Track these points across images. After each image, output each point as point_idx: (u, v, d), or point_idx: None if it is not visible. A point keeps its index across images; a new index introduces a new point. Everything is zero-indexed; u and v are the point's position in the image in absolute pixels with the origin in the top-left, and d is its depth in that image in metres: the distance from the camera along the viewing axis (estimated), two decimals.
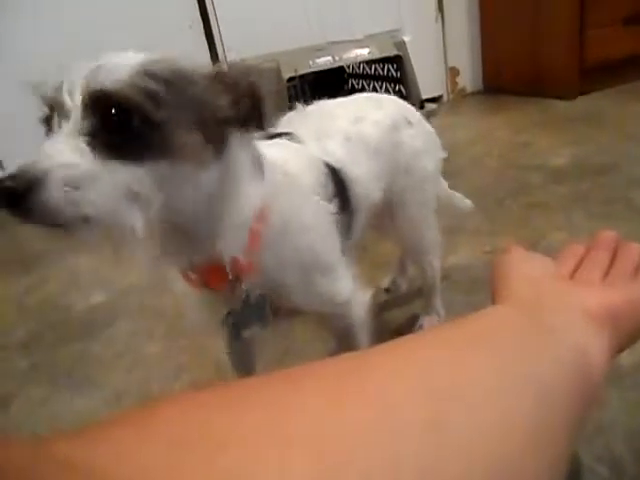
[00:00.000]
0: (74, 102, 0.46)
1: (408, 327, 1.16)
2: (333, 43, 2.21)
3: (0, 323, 1.46)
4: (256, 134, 0.59)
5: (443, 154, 1.00)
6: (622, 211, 1.46)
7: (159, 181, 0.48)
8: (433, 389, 0.28)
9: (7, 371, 1.23)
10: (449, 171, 1.05)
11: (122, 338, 1.29)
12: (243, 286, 0.63)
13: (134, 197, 0.47)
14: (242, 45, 2.51)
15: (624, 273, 0.47)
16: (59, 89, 0.47)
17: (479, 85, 3.34)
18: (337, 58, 1.94)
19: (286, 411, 0.25)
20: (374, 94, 1.01)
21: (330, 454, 0.23)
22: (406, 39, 2.17)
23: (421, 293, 1.19)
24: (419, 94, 2.10)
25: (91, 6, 2.39)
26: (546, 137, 2.22)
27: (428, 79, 2.77)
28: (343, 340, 0.81)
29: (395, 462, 0.23)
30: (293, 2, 2.72)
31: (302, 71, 1.88)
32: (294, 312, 0.75)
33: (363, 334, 0.79)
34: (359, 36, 2.38)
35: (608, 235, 0.53)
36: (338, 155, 0.78)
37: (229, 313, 0.66)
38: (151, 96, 0.46)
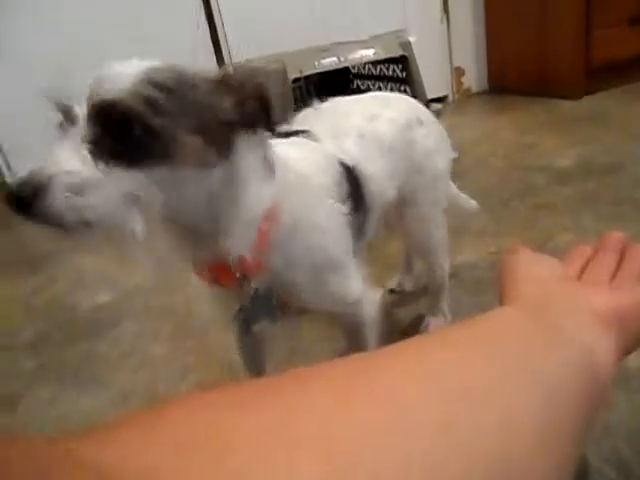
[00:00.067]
0: (81, 111, 0.49)
1: (414, 327, 1.16)
2: (338, 44, 2.21)
3: (7, 323, 1.47)
4: (267, 134, 0.60)
5: (454, 154, 1.01)
6: (630, 212, 1.45)
7: (160, 184, 0.50)
8: (442, 390, 0.28)
9: (14, 371, 1.23)
10: (454, 171, 1.05)
11: (128, 338, 1.29)
12: (251, 284, 0.64)
13: (134, 200, 0.49)
14: (247, 46, 2.52)
15: (631, 275, 0.47)
16: (69, 97, 0.49)
17: (484, 85, 3.34)
18: (342, 59, 1.94)
19: (295, 412, 0.25)
20: (387, 93, 1.01)
21: (339, 455, 0.23)
22: (411, 39, 2.17)
23: (427, 292, 1.19)
24: (424, 94, 2.10)
25: (92, 6, 2.39)
26: (552, 137, 2.22)
27: (433, 79, 2.77)
28: (353, 339, 0.82)
29: (405, 463, 0.23)
30: (298, 3, 2.73)
31: (307, 72, 1.88)
32: (304, 310, 0.76)
33: (373, 333, 0.80)
34: (364, 37, 2.39)
35: (615, 236, 0.53)
36: (353, 153, 0.78)
37: (240, 309, 0.67)
38: (151, 104, 0.48)
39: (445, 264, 1.08)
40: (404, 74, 2.07)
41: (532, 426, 0.29)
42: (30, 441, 0.20)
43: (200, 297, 1.37)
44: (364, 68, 2.34)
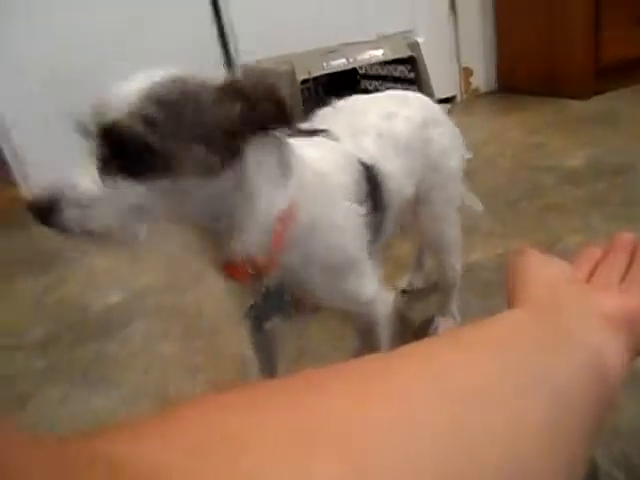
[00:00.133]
0: (94, 130, 0.53)
1: (424, 327, 1.16)
2: (346, 45, 2.21)
3: (19, 322, 1.48)
4: (285, 133, 0.61)
5: (468, 153, 1.01)
6: None
7: (164, 195, 0.54)
8: (454, 391, 0.28)
9: (24, 370, 1.25)
10: (462, 172, 1.05)
11: (138, 338, 1.30)
12: (264, 281, 0.66)
13: (139, 211, 0.54)
14: (255, 47, 2.52)
15: None
16: (86, 115, 0.54)
17: (493, 85, 3.33)
18: (351, 60, 1.94)
19: (309, 412, 0.26)
20: (403, 92, 1.02)
21: (354, 455, 0.23)
22: (419, 39, 2.17)
23: (437, 291, 1.19)
24: (432, 95, 2.10)
25: (88, 9, 2.41)
26: (561, 137, 2.21)
27: (441, 79, 2.77)
28: (365, 337, 0.83)
29: (419, 463, 0.24)
30: (306, 3, 2.73)
31: (315, 73, 1.89)
32: (318, 308, 0.77)
33: (385, 333, 0.81)
34: (372, 37, 2.39)
35: (626, 237, 0.53)
36: (371, 151, 0.79)
37: (252, 305, 0.69)
38: (149, 122, 0.51)
39: (457, 263, 1.08)
40: (412, 75, 2.07)
41: (541, 427, 0.29)
42: (48, 439, 0.20)
43: (210, 297, 1.38)
44: (372, 69, 2.34)
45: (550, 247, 1.33)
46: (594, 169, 1.82)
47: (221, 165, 0.56)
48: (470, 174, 1.03)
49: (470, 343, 0.35)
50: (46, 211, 0.51)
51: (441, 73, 2.82)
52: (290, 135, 0.62)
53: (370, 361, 0.33)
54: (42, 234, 1.94)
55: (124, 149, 0.52)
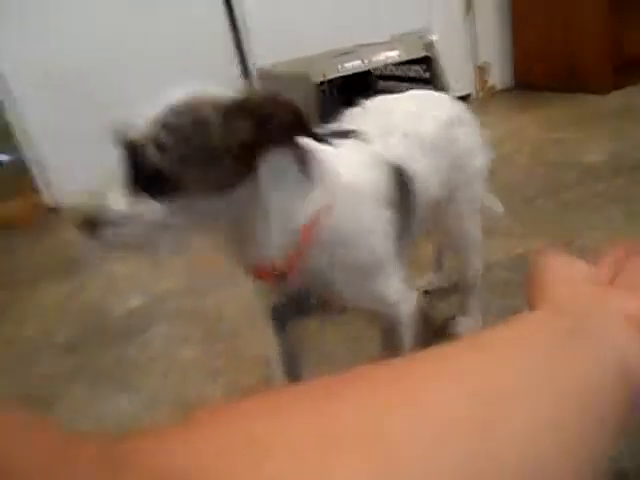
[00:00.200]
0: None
1: (444, 326, 1.15)
2: (361, 46, 2.21)
3: (44, 326, 1.51)
4: (307, 142, 0.63)
5: (491, 153, 1.01)
6: None
7: (182, 211, 0.58)
8: (473, 392, 0.28)
9: (50, 374, 1.27)
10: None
11: (159, 342, 1.32)
12: (288, 283, 0.69)
13: (163, 225, 0.59)
14: (271, 50, 2.54)
15: None
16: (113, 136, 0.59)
17: (509, 82, 3.30)
18: (366, 61, 1.94)
19: (332, 417, 0.26)
20: (427, 91, 1.02)
21: (377, 458, 0.23)
22: (434, 38, 2.16)
23: (457, 291, 1.19)
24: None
25: (81, 11, 2.43)
26: (579, 133, 2.18)
27: (456, 77, 2.75)
28: (389, 337, 0.84)
29: (440, 465, 0.24)
30: (319, 4, 2.74)
31: (330, 76, 1.89)
32: (342, 308, 0.79)
33: (408, 333, 0.82)
34: (387, 37, 2.38)
35: None
36: (399, 151, 0.79)
37: (275, 305, 0.73)
38: (160, 147, 0.55)
39: (478, 263, 1.08)
40: (427, 74, 2.06)
41: (561, 428, 0.29)
42: (93, 440, 0.21)
43: (230, 300, 1.40)
44: (386, 69, 2.34)
45: (569, 245, 1.32)
46: (613, 165, 1.79)
47: (233, 182, 0.59)
48: (488, 173, 1.03)
49: (490, 345, 0.35)
50: (90, 227, 0.58)
51: (456, 71, 2.81)
52: (320, 138, 0.63)
53: (391, 365, 0.33)
54: (63, 240, 1.97)
55: (143, 170, 0.56)
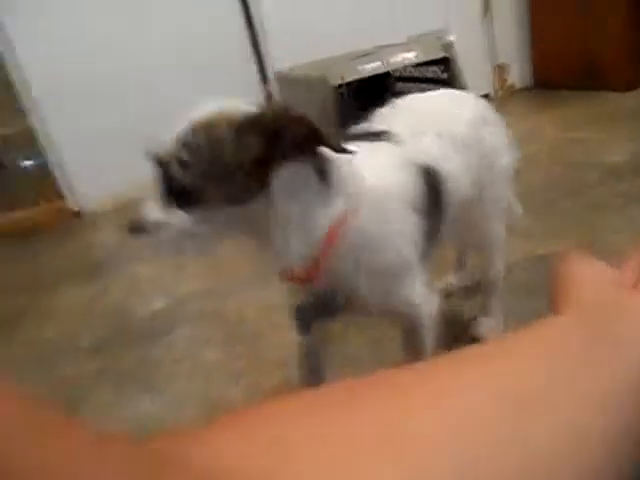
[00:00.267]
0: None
1: (466, 327, 1.15)
2: (379, 47, 2.21)
3: (68, 329, 1.54)
4: (326, 152, 0.64)
5: (517, 153, 1.01)
6: None
7: (205, 220, 0.64)
8: (499, 397, 0.29)
9: (75, 375, 1.29)
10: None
11: (181, 344, 1.34)
12: (315, 285, 0.72)
13: (191, 232, 0.65)
14: (288, 53, 2.55)
15: None
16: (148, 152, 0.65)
17: (528, 81, 3.27)
18: (385, 63, 1.93)
19: (356, 420, 0.27)
20: (455, 90, 1.03)
21: (403, 459, 0.24)
22: (452, 38, 2.15)
23: (479, 291, 1.19)
24: None
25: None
26: (601, 132, 2.15)
27: (474, 77, 2.73)
28: (410, 339, 0.84)
29: (462, 469, 0.25)
30: (337, 6, 2.74)
31: (349, 78, 1.89)
32: (365, 310, 0.79)
33: (430, 335, 0.82)
34: (404, 38, 2.38)
35: None
36: (432, 152, 0.80)
37: (299, 306, 0.75)
38: (182, 164, 0.61)
39: (500, 263, 1.08)
40: (445, 75, 2.05)
41: (587, 435, 0.29)
42: (124, 440, 0.22)
43: (252, 302, 1.41)
44: (405, 70, 2.33)
45: (591, 247, 1.30)
46: (636, 164, 1.76)
47: (247, 196, 0.63)
48: (513, 172, 1.03)
49: (515, 349, 0.35)
50: (134, 231, 0.66)
51: (474, 71, 2.79)
52: (338, 147, 0.64)
53: (415, 369, 0.34)
54: (86, 244, 2.01)
55: (170, 186, 0.63)
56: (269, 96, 2.63)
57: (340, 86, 1.96)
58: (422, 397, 0.28)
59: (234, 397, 1.09)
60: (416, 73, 2.25)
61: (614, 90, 2.61)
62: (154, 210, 0.65)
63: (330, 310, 0.75)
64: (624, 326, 0.39)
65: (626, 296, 0.43)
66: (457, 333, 1.15)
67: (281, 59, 2.61)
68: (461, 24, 2.92)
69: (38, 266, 2.08)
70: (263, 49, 2.67)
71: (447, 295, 1.29)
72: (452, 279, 1.31)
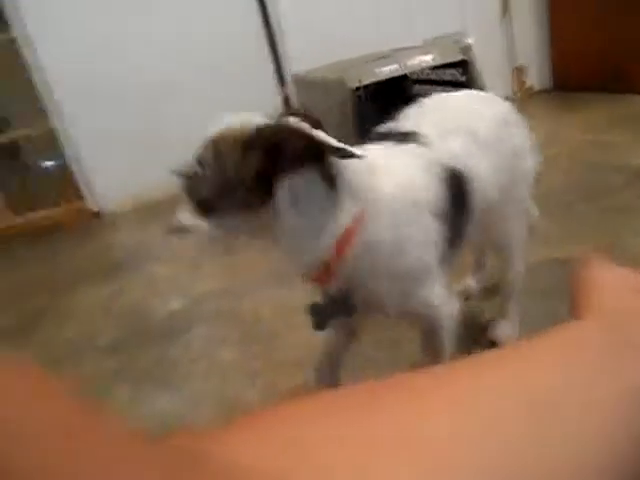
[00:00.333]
0: None
1: (484, 329, 1.15)
2: (396, 50, 2.20)
3: (86, 328, 1.56)
4: (333, 160, 0.66)
5: (539, 156, 1.00)
6: None
7: (220, 227, 0.71)
8: (520, 398, 0.29)
9: (95, 373, 1.31)
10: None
11: (198, 344, 1.35)
12: (330, 287, 0.74)
13: (213, 235, 0.71)
14: (306, 56, 2.55)
15: None
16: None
17: (547, 83, 3.23)
18: (402, 65, 1.93)
19: (373, 423, 0.27)
20: (479, 91, 1.03)
21: (420, 460, 0.24)
22: (470, 41, 2.14)
23: (497, 293, 1.18)
24: None
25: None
26: (625, 135, 2.12)
27: (492, 79, 2.72)
28: (429, 341, 0.85)
29: (485, 467, 0.24)
30: (354, 9, 2.74)
31: (366, 81, 1.89)
32: (385, 313, 0.81)
33: (449, 337, 0.82)
34: (421, 40, 2.37)
35: None
36: (459, 153, 0.80)
37: (313, 305, 0.77)
38: (196, 178, 0.68)
39: (520, 265, 1.07)
40: (464, 77, 2.04)
41: (605, 443, 0.29)
42: (144, 437, 0.22)
43: (267, 302, 1.41)
44: (422, 73, 2.32)
45: (611, 250, 1.29)
46: None
47: (255, 205, 0.67)
48: (535, 175, 1.03)
49: (534, 356, 0.35)
50: (173, 233, 0.74)
51: (493, 73, 2.77)
52: (347, 153, 0.64)
53: (433, 372, 0.34)
54: (105, 244, 2.03)
55: (190, 196, 0.70)
56: (286, 99, 2.64)
57: (358, 89, 1.96)
58: (439, 401, 0.28)
59: (250, 397, 1.09)
60: (433, 76, 2.24)
61: (638, 92, 2.56)
62: (185, 216, 0.72)
63: (346, 309, 0.76)
64: None
65: None
66: (475, 335, 1.14)
67: (298, 60, 2.62)
68: (479, 26, 2.91)
69: (58, 266, 2.11)
70: (280, 50, 2.68)
71: (466, 298, 1.28)
72: (471, 281, 1.31)
